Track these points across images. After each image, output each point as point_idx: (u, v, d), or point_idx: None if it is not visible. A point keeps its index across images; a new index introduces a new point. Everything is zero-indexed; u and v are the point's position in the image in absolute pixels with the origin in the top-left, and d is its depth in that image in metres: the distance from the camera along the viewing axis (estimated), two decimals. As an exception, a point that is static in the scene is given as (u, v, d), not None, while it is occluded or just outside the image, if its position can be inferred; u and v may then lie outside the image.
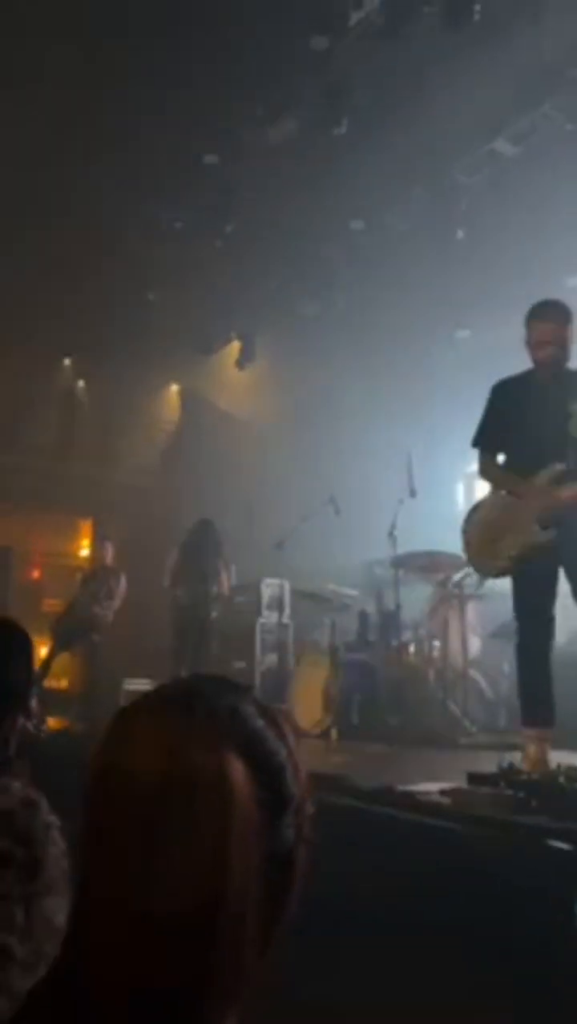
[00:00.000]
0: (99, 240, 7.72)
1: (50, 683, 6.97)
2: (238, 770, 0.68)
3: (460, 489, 10.27)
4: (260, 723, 0.73)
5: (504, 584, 6.98)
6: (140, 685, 6.41)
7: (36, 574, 9.20)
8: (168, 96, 6.25)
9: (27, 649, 1.58)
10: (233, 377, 10.32)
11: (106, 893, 0.68)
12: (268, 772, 0.71)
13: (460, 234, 7.50)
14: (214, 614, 7.11)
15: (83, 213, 7.34)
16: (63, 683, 7.46)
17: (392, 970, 2.41)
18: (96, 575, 7.39)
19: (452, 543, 6.65)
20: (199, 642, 7.06)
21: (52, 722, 6.13)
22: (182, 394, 10.67)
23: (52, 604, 7.80)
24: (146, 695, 0.75)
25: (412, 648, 6.20)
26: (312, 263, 8.41)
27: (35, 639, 1.72)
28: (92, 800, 0.70)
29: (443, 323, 9.01)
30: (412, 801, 3.13)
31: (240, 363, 10.15)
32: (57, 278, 7.93)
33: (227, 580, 7.26)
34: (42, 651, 6.68)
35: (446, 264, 7.87)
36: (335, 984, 2.30)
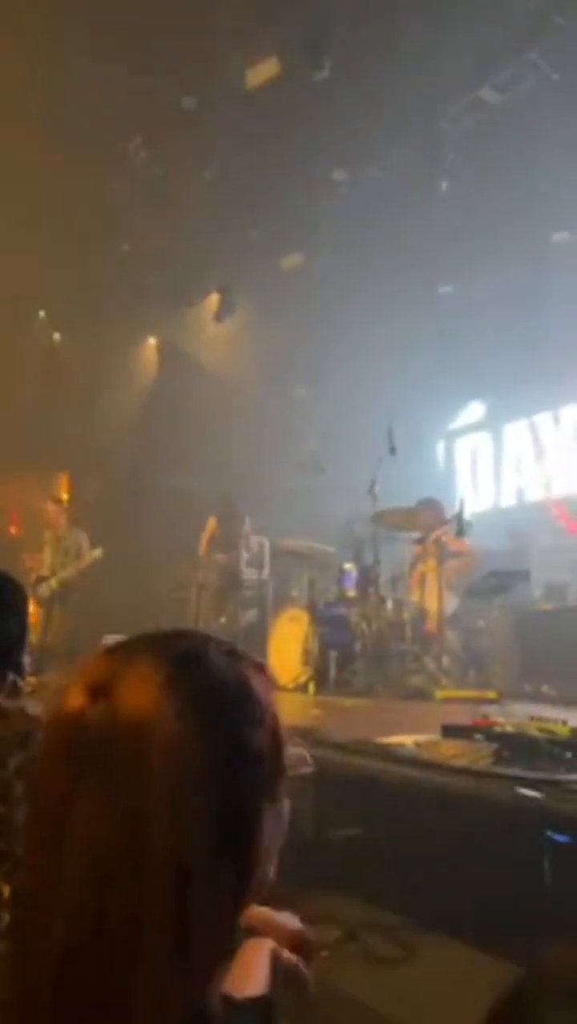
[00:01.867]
0: (73, 187, 7.50)
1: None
2: (167, 712, 0.66)
3: (440, 446, 10.29)
4: (222, 673, 0.71)
5: (481, 542, 7.07)
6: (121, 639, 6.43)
7: (13, 530, 9.12)
8: (144, 35, 6.03)
9: (20, 604, 1.55)
10: (212, 331, 10.16)
11: (37, 835, 0.67)
12: (220, 721, 0.69)
13: (444, 186, 7.37)
14: (245, 576, 7.69)
15: (56, 160, 7.11)
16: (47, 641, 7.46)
17: (366, 915, 2.47)
18: (58, 536, 7.46)
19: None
20: (234, 600, 7.59)
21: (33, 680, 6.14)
22: (160, 348, 10.50)
23: (31, 559, 7.76)
24: (106, 647, 0.73)
25: (390, 604, 6.25)
26: (293, 214, 8.24)
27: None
28: (42, 745, 0.72)
29: (426, 278, 8.91)
30: (387, 752, 3.18)
31: (219, 316, 9.98)
32: (30, 227, 7.70)
33: (254, 544, 7.89)
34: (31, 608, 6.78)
35: (430, 217, 7.75)
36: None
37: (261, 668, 0.77)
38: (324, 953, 2.34)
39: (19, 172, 7.09)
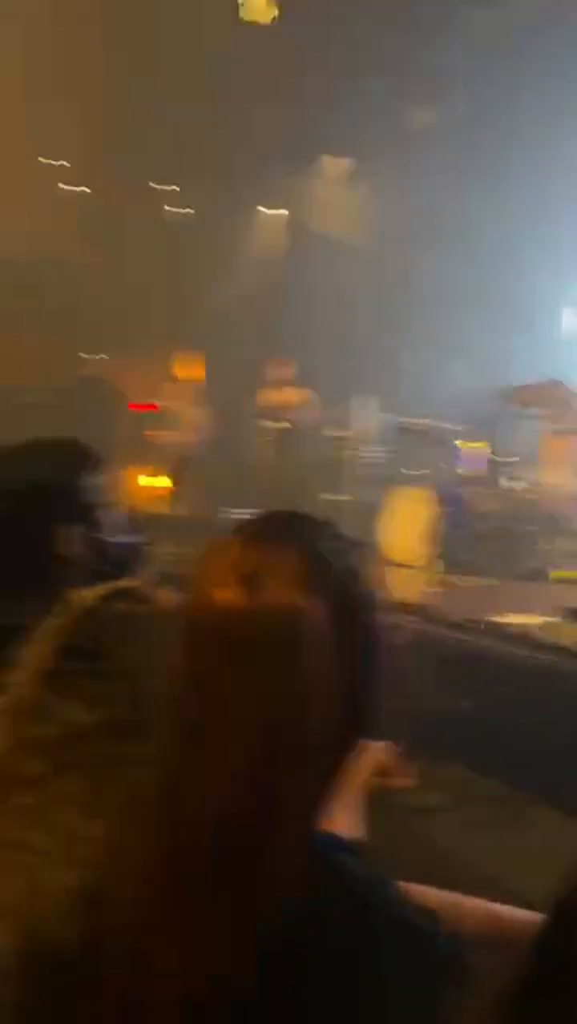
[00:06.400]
0: (186, 48, 7.14)
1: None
2: (310, 605, 0.73)
3: (564, 314, 9.61)
4: (344, 562, 0.79)
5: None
6: (237, 514, 6.62)
7: (141, 407, 9.40)
8: None
9: (93, 466, 1.59)
10: (335, 198, 9.72)
11: (187, 715, 0.74)
12: (349, 610, 0.77)
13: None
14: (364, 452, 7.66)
15: (170, 19, 6.78)
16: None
17: (469, 782, 2.53)
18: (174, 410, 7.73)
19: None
20: (353, 476, 7.62)
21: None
22: (280, 218, 10.18)
23: (152, 435, 8.04)
24: (237, 529, 0.81)
25: (513, 484, 6.07)
26: (422, 62, 7.54)
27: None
28: (184, 629, 0.78)
29: None
30: (503, 632, 3.17)
31: (343, 182, 9.52)
32: (146, 97, 7.47)
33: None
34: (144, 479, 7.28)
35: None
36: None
37: (359, 545, 0.86)
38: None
39: (135, 39, 6.85)
